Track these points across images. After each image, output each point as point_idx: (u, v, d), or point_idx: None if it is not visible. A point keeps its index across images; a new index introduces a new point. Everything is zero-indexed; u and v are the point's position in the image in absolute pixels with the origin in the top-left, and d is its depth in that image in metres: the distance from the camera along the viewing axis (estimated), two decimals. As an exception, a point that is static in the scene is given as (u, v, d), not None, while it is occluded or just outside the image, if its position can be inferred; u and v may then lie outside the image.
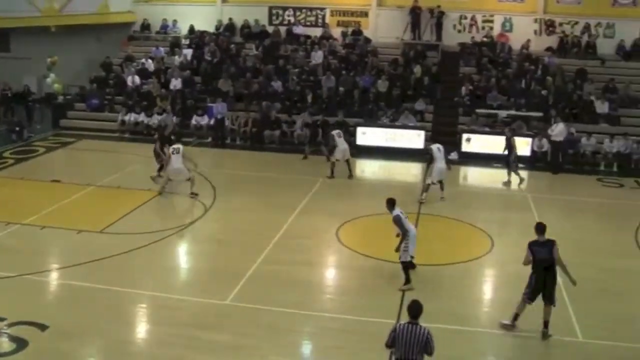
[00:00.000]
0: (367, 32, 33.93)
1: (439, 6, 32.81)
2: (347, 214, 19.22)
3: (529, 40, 32.50)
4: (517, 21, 33.43)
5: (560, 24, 33.20)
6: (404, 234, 14.39)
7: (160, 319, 12.86)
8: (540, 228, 12.83)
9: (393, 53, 32.82)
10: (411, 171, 25.06)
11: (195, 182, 20.63)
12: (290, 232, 17.70)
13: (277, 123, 28.20)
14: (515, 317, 12.70)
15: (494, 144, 26.35)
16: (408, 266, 14.55)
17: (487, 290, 15.59)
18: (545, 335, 12.51)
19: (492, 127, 27.91)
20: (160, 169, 21.81)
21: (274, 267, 15.37)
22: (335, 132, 23.28)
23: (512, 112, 28.58)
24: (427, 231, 17.80)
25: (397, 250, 14.44)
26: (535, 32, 33.34)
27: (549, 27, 33.34)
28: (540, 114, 28.31)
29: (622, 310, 13.96)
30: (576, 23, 33.07)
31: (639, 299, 14.50)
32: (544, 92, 29.70)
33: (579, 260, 16.02)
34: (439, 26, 33.08)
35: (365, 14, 34.42)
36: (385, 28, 33.90)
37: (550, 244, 12.66)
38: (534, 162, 26.39)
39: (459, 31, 33.82)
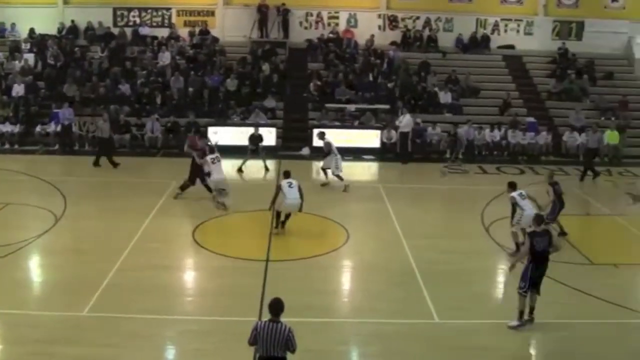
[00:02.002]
0: (214, 32, 33.81)
1: (283, 4, 33.18)
2: (202, 215, 19.21)
3: (373, 36, 33.51)
4: (362, 17, 34.41)
5: (403, 19, 34.56)
6: (274, 198, 17.64)
7: (14, 338, 12.26)
8: (539, 219, 13.16)
9: (241, 51, 32.92)
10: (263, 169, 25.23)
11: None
12: (146, 237, 17.44)
13: (127, 126, 27.69)
14: (521, 314, 12.89)
15: (344, 137, 27.06)
16: (279, 215, 17.75)
17: (345, 281, 16.00)
18: (532, 321, 12.91)
19: (341, 121, 28.60)
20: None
21: (131, 273, 15.12)
22: None
23: (360, 105, 29.38)
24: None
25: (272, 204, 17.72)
26: (379, 27, 34.49)
27: (392, 22, 34.57)
28: (387, 107, 29.33)
29: (473, 289, 14.76)
30: (417, 18, 34.55)
31: (486, 277, 15.35)
32: (390, 85, 30.71)
33: (428, 244, 16.89)
34: (285, 24, 33.46)
35: (212, 13, 34.32)
36: (232, 27, 33.91)
37: (548, 234, 12.95)
38: (383, 153, 27.27)
39: (306, 28, 34.40)
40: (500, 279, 15.71)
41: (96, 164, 24.49)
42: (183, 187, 20.64)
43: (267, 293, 13.93)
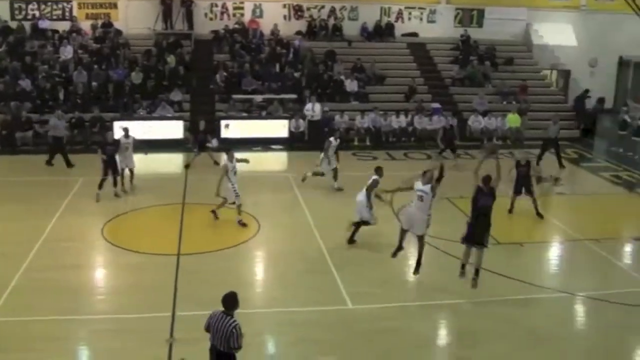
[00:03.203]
0: (117, 24, 33.07)
1: (188, -5, 32.87)
2: (110, 212, 18.98)
3: (276, 25, 33.53)
4: (267, 7, 34.28)
5: (308, 9, 34.66)
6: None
7: None
8: (487, 180, 13.73)
9: (146, 44, 32.34)
10: (172, 162, 24.97)
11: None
12: (54, 236, 17.08)
13: (29, 123, 26.93)
14: (462, 266, 13.96)
15: (252, 128, 27.14)
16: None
17: (258, 271, 16.10)
18: (475, 285, 13.91)
19: (249, 111, 28.61)
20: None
21: (39, 274, 14.78)
22: None
23: (267, 95, 29.43)
24: (193, 220, 18.11)
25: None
26: (284, 17, 34.48)
27: (297, 11, 34.65)
28: (294, 96, 29.46)
29: (383, 274, 15.08)
30: (322, 7, 34.75)
31: (396, 262, 15.56)
32: (296, 74, 30.85)
33: (339, 232, 17.04)
34: (189, 15, 33.11)
35: (114, 5, 33.56)
36: (136, 19, 33.22)
37: (492, 191, 13.71)
38: (292, 142, 27.40)
39: (211, 19, 34.06)
40: (410, 262, 16.01)
41: (49, 163, 23.86)
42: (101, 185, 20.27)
43: (179, 287, 13.95)
